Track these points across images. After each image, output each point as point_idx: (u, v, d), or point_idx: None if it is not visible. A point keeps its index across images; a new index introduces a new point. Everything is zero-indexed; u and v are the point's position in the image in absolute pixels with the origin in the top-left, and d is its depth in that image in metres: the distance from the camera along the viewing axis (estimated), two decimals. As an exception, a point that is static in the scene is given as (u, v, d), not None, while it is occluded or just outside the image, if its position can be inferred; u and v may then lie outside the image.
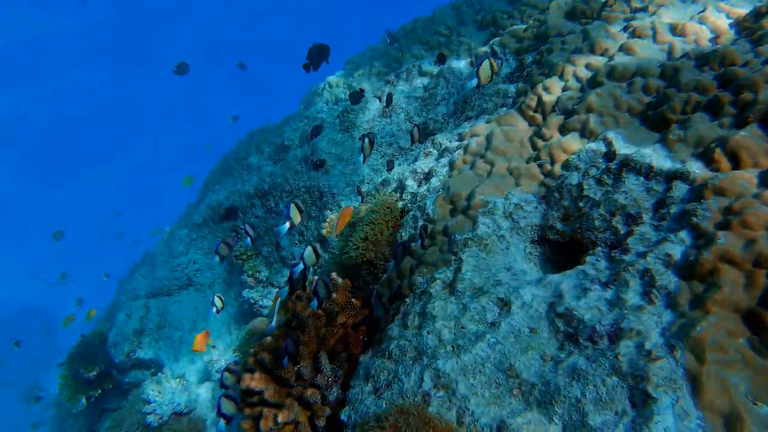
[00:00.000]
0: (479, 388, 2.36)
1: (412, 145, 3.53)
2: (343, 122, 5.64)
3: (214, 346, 5.22)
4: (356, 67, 6.48)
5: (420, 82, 5.25)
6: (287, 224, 2.94)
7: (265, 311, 5.40)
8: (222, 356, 5.72)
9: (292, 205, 2.93)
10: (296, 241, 5.51)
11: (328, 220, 4.90)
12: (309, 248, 3.33)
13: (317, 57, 4.55)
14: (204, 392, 5.36)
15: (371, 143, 3.54)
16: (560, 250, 3.10)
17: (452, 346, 2.53)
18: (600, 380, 2.14)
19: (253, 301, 5.66)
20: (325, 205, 5.14)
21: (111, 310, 7.97)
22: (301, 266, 3.08)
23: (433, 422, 2.25)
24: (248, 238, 4.31)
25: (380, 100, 5.40)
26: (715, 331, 2.06)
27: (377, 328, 3.38)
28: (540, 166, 3.17)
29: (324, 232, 4.83)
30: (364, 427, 2.42)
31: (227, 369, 2.83)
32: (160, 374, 5.49)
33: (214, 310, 3.65)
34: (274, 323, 3.26)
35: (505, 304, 2.63)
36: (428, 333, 2.65)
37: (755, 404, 1.95)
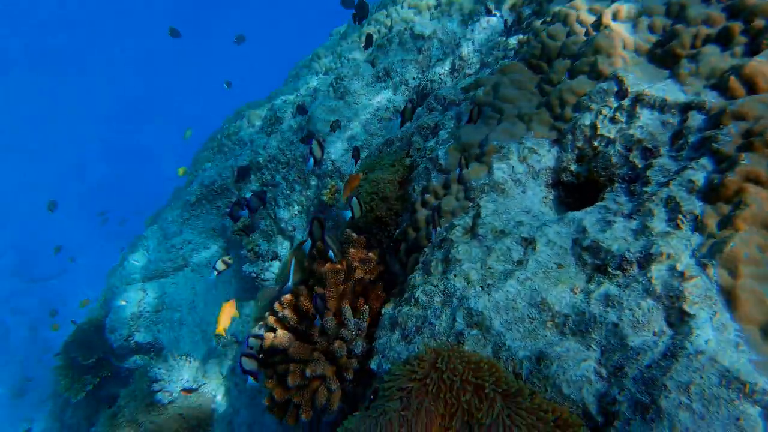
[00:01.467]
0: (513, 324, 2.37)
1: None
2: (336, 90, 5.56)
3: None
4: (343, 37, 6.38)
5: (413, 44, 5.20)
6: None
7: (267, 284, 5.35)
8: (226, 330, 5.64)
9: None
10: (295, 212, 5.45)
11: (329, 186, 4.85)
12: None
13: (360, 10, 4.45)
14: (212, 367, 5.31)
15: (321, 148, 3.53)
16: (575, 193, 3.12)
17: (481, 286, 2.53)
18: (635, 304, 2.16)
19: (255, 275, 5.60)
20: (324, 172, 5.08)
21: (104, 298, 7.82)
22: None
23: (470, 358, 2.25)
24: (246, 210, 4.25)
25: (373, 66, 5.34)
26: (747, 247, 2.09)
27: (394, 284, 3.37)
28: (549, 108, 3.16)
29: (325, 198, 4.79)
30: (399, 367, 2.42)
31: (251, 335, 2.80)
32: (165, 352, 5.42)
33: (215, 273, 3.57)
34: (291, 282, 3.22)
35: (529, 243, 2.64)
36: (455, 276, 2.64)
37: (788, 315, 1.99)
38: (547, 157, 3.11)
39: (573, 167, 3.02)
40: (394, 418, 2.08)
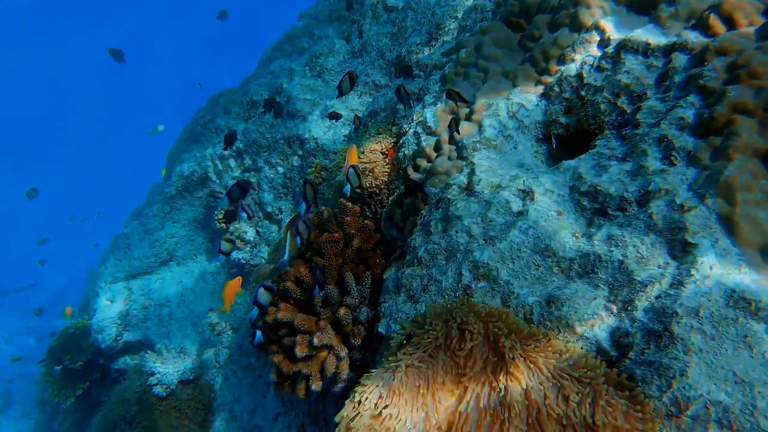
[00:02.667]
0: (520, 272, 2.39)
1: (340, 95, 3.45)
2: (312, 68, 5.49)
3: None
4: (314, 17, 6.29)
5: (386, 17, 5.15)
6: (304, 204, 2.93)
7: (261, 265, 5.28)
8: (220, 318, 5.58)
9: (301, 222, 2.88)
10: (280, 195, 5.39)
11: (314, 165, 4.80)
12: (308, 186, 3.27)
13: None
14: (208, 356, 5.24)
15: (351, 80, 3.48)
16: (566, 145, 3.14)
17: (484, 239, 2.54)
18: (638, 240, 2.20)
19: (244, 262, 5.53)
20: (308, 152, 5.03)
21: (86, 302, 7.64)
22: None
23: (479, 310, 2.26)
24: (244, 213, 4.16)
25: (348, 42, 5.28)
26: (741, 175, 2.14)
27: (392, 251, 3.37)
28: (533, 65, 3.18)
29: (312, 177, 4.73)
30: (409, 324, 2.42)
31: (261, 287, 2.74)
32: (159, 347, 5.32)
33: (222, 257, 3.48)
34: (287, 256, 3.19)
35: (527, 194, 2.65)
36: (457, 232, 2.65)
37: (785, 236, 2.05)
38: (535, 111, 3.13)
39: (562, 119, 3.04)
40: (412, 371, 2.08)
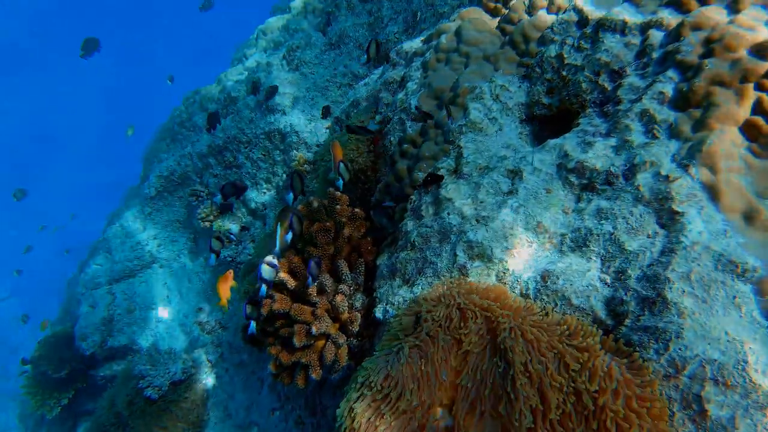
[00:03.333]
0: (514, 249, 2.43)
1: (368, 62, 3.45)
2: (290, 62, 5.45)
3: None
4: (288, 11, 6.24)
5: (362, 8, 5.14)
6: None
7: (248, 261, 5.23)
8: (209, 317, 5.53)
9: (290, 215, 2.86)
10: (264, 191, 5.35)
11: (296, 158, 4.78)
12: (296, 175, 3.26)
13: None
14: (199, 356, 5.19)
15: (377, 46, 3.54)
16: (549, 125, 3.20)
17: (477, 219, 2.58)
18: (627, 212, 2.26)
19: (230, 259, 5.48)
20: (290, 146, 5.00)
21: (65, 311, 7.49)
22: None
23: (476, 288, 2.30)
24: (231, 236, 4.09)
25: (324, 34, 5.26)
26: (722, 143, 2.22)
27: (382, 239, 3.38)
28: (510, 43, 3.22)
29: (294, 165, 4.72)
30: (408, 307, 2.44)
31: (264, 263, 2.72)
32: (148, 349, 5.25)
33: (213, 257, 3.44)
34: (278, 248, 3.17)
35: (515, 174, 2.70)
36: (449, 214, 2.68)
37: (763, 199, 2.13)
38: (518, 93, 3.17)
39: (545, 99, 3.10)
40: (414, 352, 2.10)
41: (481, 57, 3.31)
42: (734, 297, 1.90)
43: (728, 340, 1.78)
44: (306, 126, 4.89)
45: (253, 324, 2.98)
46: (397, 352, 2.13)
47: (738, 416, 1.64)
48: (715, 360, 1.74)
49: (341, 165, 2.95)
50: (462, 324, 2.13)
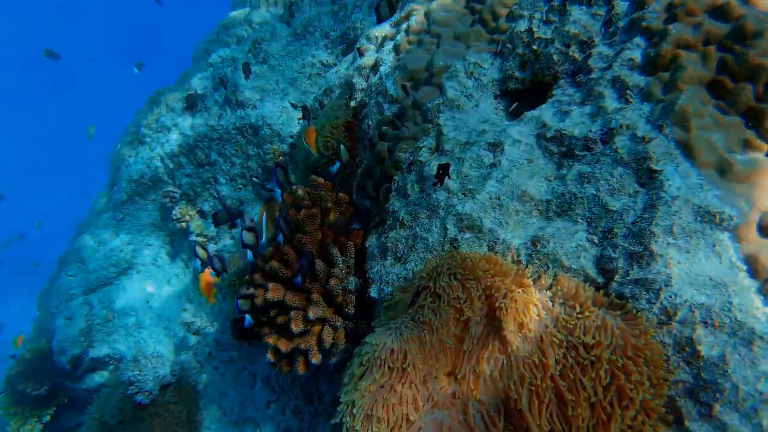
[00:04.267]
0: (502, 218, 2.50)
1: (379, 21, 3.45)
2: (256, 55, 5.39)
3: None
4: (249, 4, 6.15)
5: (326, -4, 5.13)
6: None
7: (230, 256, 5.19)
8: (194, 317, 5.46)
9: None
10: (239, 186, 5.30)
11: (271, 151, 4.75)
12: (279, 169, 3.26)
13: None
14: (186, 357, 5.12)
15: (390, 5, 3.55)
16: (523, 99, 3.27)
17: (463, 193, 2.63)
18: (608, 174, 2.35)
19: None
20: (263, 139, 4.96)
21: (39, 327, 7.26)
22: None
23: (468, 259, 2.35)
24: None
25: (288, 25, 5.22)
26: (692, 103, 2.33)
27: (368, 221, 3.41)
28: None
29: (271, 164, 4.69)
30: (400, 288, 2.49)
31: (244, 230, 2.74)
32: (135, 355, 5.14)
33: (199, 263, 3.39)
34: (264, 238, 3.18)
35: (496, 147, 2.76)
36: (435, 190, 2.72)
37: (733, 153, 2.25)
38: (491, 69, 3.24)
39: (517, 74, 3.17)
40: (416, 325, 2.15)
41: (452, 36, 3.35)
42: (714, 245, 2.01)
43: (713, 285, 1.89)
44: (278, 118, 4.85)
45: (248, 317, 2.98)
46: (399, 327, 2.17)
47: (728, 353, 1.74)
48: (703, 304, 1.84)
49: (341, 147, 2.97)
50: (460, 293, 2.19)
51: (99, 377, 6.34)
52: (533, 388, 1.85)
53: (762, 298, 1.88)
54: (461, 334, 2.11)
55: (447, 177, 2.52)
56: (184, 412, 4.66)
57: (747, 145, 2.27)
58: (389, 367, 2.05)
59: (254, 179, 4.80)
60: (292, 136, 4.71)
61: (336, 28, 4.90)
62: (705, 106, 2.35)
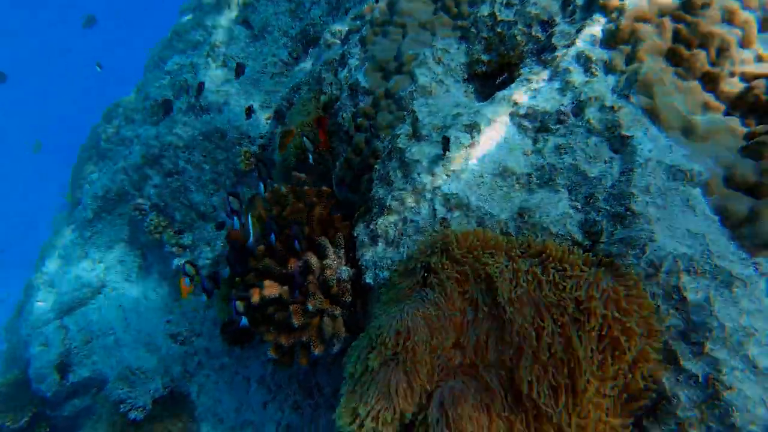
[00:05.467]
0: (487, 195, 2.61)
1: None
2: (216, 58, 5.33)
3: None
4: (200, 8, 6.07)
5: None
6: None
7: (205, 271, 5.14)
8: (179, 327, 5.38)
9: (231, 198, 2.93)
10: (211, 192, 5.25)
11: (242, 153, 4.73)
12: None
13: None
14: (176, 368, 5.05)
15: None
16: (490, 81, 3.39)
17: (447, 174, 2.73)
18: (583, 144, 2.49)
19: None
20: (231, 143, 4.93)
21: (10, 357, 7.00)
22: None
23: (459, 236, 2.45)
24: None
25: (245, 27, 5.19)
26: (653, 72, 2.49)
27: (350, 213, 3.47)
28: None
29: (242, 166, 4.68)
30: (397, 269, 2.56)
31: (229, 194, 2.83)
32: (122, 372, 5.04)
33: (187, 281, 3.31)
34: (252, 239, 3.19)
35: (473, 128, 2.86)
36: (419, 174, 2.81)
37: (695, 115, 2.42)
38: (458, 54, 3.34)
39: (484, 57, 3.28)
40: (420, 302, 2.23)
41: (417, 25, 3.44)
42: (688, 200, 2.17)
43: (691, 236, 2.05)
44: (245, 120, 4.83)
45: (244, 319, 3.00)
46: (402, 307, 2.25)
47: (712, 296, 1.90)
48: (685, 254, 1.99)
49: (304, 139, 3.02)
50: (459, 267, 2.27)
51: (80, 401, 6.18)
52: (532, 350, 1.95)
53: (734, 243, 2.05)
54: (464, 306, 2.20)
55: (448, 150, 2.63)
56: (179, 423, 4.61)
57: (706, 107, 2.45)
58: (400, 346, 2.11)
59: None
60: (261, 137, 4.71)
61: (294, 26, 4.91)
62: (665, 74, 2.51)
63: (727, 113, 2.44)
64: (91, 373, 5.83)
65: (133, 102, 6.25)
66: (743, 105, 2.40)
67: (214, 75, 5.19)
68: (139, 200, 5.81)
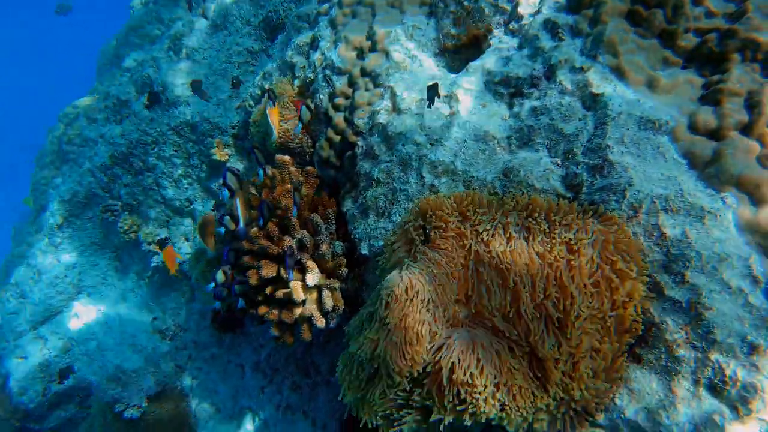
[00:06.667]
0: (472, 159, 2.74)
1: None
2: (178, 52, 5.26)
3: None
4: (154, 2, 5.94)
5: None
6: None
7: (186, 266, 5.11)
8: (165, 323, 5.34)
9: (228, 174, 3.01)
10: (185, 186, 5.21)
11: (215, 144, 4.71)
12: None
13: None
14: (166, 364, 5.02)
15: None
16: (462, 53, 3.52)
17: (431, 143, 2.85)
18: (557, 104, 2.64)
19: (162, 265, 5.29)
20: (203, 134, 4.89)
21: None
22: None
23: (447, 200, 2.57)
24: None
25: (205, 17, 5.14)
26: (617, 32, 2.66)
27: (335, 192, 3.55)
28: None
29: (217, 157, 4.66)
30: (394, 233, 2.67)
31: (228, 170, 2.94)
32: (114, 373, 4.96)
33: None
34: (242, 224, 3.24)
35: (450, 98, 2.99)
36: (403, 145, 2.92)
37: (656, 70, 2.61)
38: (428, 29, 3.45)
39: (453, 30, 3.40)
40: (423, 262, 2.34)
41: (385, 4, 3.52)
42: (658, 147, 2.36)
43: (665, 179, 2.23)
44: (215, 111, 4.81)
45: (241, 301, 3.05)
46: (407, 267, 2.35)
47: (687, 230, 2.09)
48: (661, 194, 2.17)
49: (302, 107, 3.08)
50: (454, 225, 2.39)
51: (65, 412, 6.05)
52: (529, 295, 2.10)
53: (702, 182, 2.24)
54: (465, 261, 2.32)
55: (437, 96, 2.72)
56: (176, 418, 4.61)
57: (666, 62, 2.64)
58: (405, 300, 2.21)
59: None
60: (233, 126, 4.70)
61: (257, 14, 4.89)
62: (627, 34, 2.69)
63: (684, 66, 2.63)
64: (74, 381, 5.71)
65: (92, 102, 6.08)
66: (699, 58, 2.59)
67: (177, 68, 5.13)
68: (110, 201, 5.70)
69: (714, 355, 1.97)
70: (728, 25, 2.51)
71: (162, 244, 4.32)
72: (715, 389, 1.97)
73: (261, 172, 3.08)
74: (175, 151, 5.09)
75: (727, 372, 1.95)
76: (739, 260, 2.01)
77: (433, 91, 2.67)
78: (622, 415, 2.10)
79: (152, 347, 5.25)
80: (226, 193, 3.23)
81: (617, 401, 2.12)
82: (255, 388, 4.29)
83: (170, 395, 4.70)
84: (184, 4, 5.48)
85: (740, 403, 1.92)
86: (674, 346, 2.03)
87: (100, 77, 6.73)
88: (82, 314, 5.96)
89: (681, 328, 2.02)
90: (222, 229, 3.07)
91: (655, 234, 2.14)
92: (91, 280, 6.09)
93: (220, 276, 3.12)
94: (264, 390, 4.21)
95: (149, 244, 5.34)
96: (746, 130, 2.28)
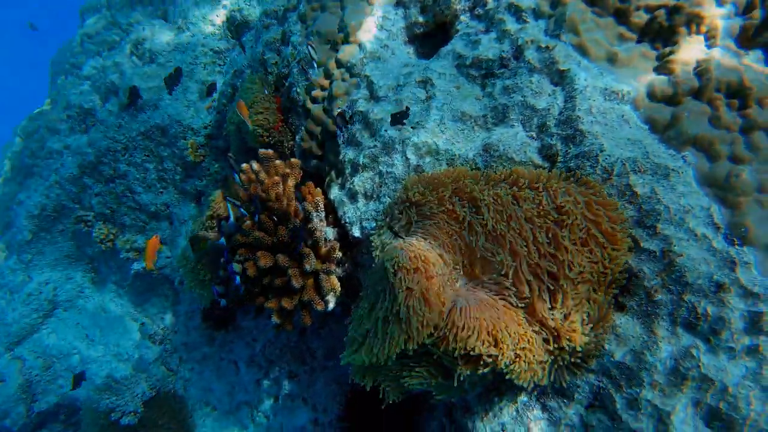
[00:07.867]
0: (452, 139, 2.91)
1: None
2: (142, 56, 5.20)
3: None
4: (107, 7, 5.84)
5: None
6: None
7: (167, 270, 5.11)
8: (152, 327, 5.31)
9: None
10: (160, 190, 5.18)
11: (189, 145, 4.72)
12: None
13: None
14: (156, 369, 5.01)
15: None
16: (431, 41, 3.68)
17: (412, 126, 3.00)
18: (527, 81, 2.84)
19: (143, 271, 5.26)
20: (175, 137, 4.88)
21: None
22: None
23: (434, 178, 2.73)
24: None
25: (165, 20, 5.11)
26: (576, 12, 2.87)
27: (318, 181, 3.66)
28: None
29: (192, 158, 4.67)
30: (387, 213, 2.81)
31: (228, 201, 3.00)
32: (105, 382, 4.90)
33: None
34: (232, 218, 3.31)
35: (426, 82, 3.14)
36: (386, 131, 3.05)
37: (614, 45, 2.84)
38: (396, 19, 3.59)
39: (421, 18, 3.56)
40: (420, 234, 2.49)
41: (353, -4, 3.64)
42: (623, 115, 2.58)
43: (632, 143, 2.45)
44: (186, 112, 4.81)
45: (242, 288, 3.13)
46: (403, 243, 2.50)
47: (655, 187, 2.31)
48: (629, 157, 2.39)
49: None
50: (446, 197, 2.53)
51: (50, 431, 5.94)
52: (524, 252, 2.29)
53: (663, 144, 2.48)
54: (460, 230, 2.47)
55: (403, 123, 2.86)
56: (174, 420, 4.63)
57: (622, 38, 2.88)
58: (414, 268, 2.34)
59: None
60: (205, 127, 4.72)
61: (219, 14, 4.90)
62: (585, 13, 2.91)
63: (639, 41, 2.87)
64: (59, 399, 5.62)
65: (52, 113, 5.93)
66: (651, 32, 2.83)
67: (142, 72, 5.08)
68: (81, 212, 5.60)
69: (687, 296, 2.20)
70: (675, 1, 2.75)
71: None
72: (690, 326, 2.20)
73: (236, 176, 3.16)
74: (147, 156, 5.06)
75: (699, 309, 2.18)
76: (702, 210, 2.25)
77: (402, 116, 2.83)
78: (611, 359, 2.32)
79: (138, 355, 5.23)
80: (237, 176, 3.31)
81: (606, 346, 2.34)
82: (251, 383, 4.36)
83: (165, 398, 4.71)
84: (141, 8, 5.42)
85: (712, 335, 2.17)
86: (652, 292, 2.25)
87: (57, 86, 6.56)
88: (60, 330, 5.85)
89: (657, 275, 2.25)
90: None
91: (627, 193, 2.36)
92: (67, 294, 5.98)
93: (237, 267, 3.15)
94: (260, 383, 4.29)
95: (128, 251, 5.30)
96: (698, 95, 2.53)
